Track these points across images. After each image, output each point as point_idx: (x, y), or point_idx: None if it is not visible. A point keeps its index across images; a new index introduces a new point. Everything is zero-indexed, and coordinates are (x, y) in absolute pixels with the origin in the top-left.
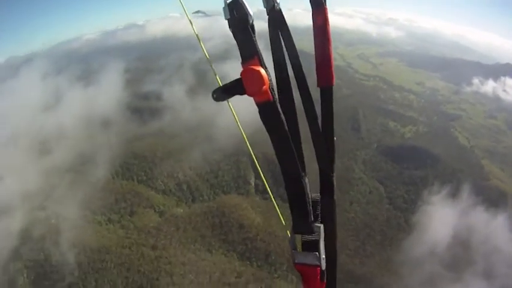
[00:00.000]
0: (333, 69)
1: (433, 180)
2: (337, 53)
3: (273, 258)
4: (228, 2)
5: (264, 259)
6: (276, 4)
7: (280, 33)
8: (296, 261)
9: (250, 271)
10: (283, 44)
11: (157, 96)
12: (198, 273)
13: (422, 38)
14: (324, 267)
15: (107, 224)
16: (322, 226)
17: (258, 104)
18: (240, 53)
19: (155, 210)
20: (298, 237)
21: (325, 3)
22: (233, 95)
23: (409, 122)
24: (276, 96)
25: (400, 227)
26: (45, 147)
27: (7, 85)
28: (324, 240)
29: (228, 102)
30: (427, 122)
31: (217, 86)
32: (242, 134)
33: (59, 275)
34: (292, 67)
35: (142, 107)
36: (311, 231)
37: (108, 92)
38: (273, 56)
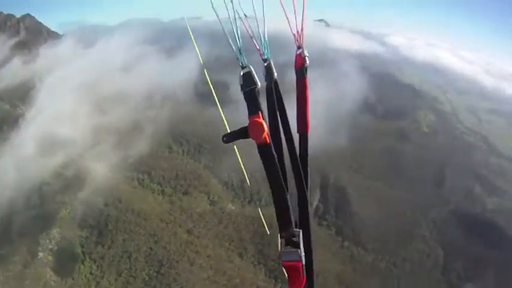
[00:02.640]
0: (308, 120)
1: (500, 266)
2: (447, 97)
3: None
4: (242, 73)
5: None
6: (274, 76)
7: (275, 98)
8: (283, 259)
9: None
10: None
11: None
12: (218, 271)
13: None
14: (304, 262)
15: (158, 194)
16: (301, 231)
17: (257, 145)
18: (248, 109)
19: (209, 198)
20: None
21: (306, 75)
22: (239, 138)
23: (496, 193)
24: (270, 140)
25: None
26: (108, 105)
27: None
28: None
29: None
30: None
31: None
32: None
33: (95, 221)
34: (282, 123)
35: (209, 93)
36: (293, 235)
37: (186, 71)
38: (268, 115)
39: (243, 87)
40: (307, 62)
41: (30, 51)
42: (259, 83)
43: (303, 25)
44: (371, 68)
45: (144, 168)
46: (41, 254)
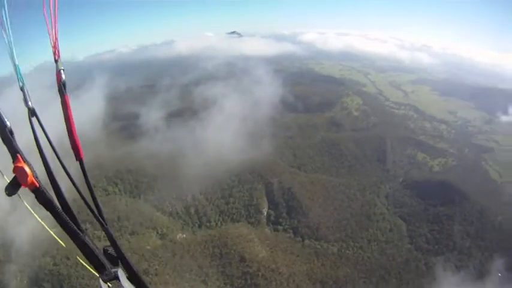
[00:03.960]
0: (80, 145)
1: (459, 219)
2: (369, 79)
3: None
4: None
5: None
6: (29, 102)
7: (38, 129)
8: None
9: None
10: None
11: (138, 117)
12: None
13: (457, 66)
14: None
15: (105, 240)
16: (119, 269)
17: (31, 191)
18: (9, 152)
19: (157, 232)
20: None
21: (66, 92)
22: (18, 188)
23: (439, 154)
24: (41, 183)
25: (419, 270)
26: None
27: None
28: (130, 276)
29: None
30: (457, 155)
31: None
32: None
33: (49, 283)
34: (52, 149)
35: (126, 126)
36: (113, 277)
37: (96, 107)
38: (37, 147)
39: None
40: (63, 76)
41: None
42: (7, 123)
43: (57, 36)
44: (288, 68)
45: (84, 218)
46: None
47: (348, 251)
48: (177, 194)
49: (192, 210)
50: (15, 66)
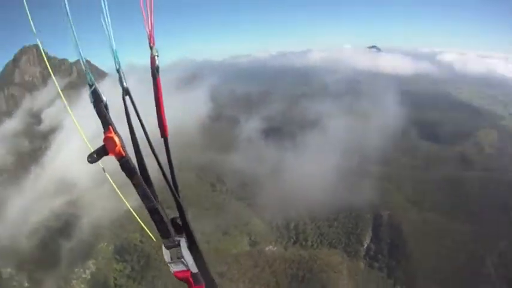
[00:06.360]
0: (166, 123)
1: None
2: (508, 111)
3: None
4: (91, 91)
5: None
6: (125, 83)
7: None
8: (172, 271)
9: None
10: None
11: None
12: None
13: None
14: (194, 270)
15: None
16: (183, 238)
17: (117, 160)
18: (101, 124)
19: (250, 239)
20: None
21: (158, 75)
22: (102, 156)
23: None
24: (127, 153)
25: None
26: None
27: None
28: (190, 248)
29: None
30: None
31: None
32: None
33: (130, 256)
34: (143, 129)
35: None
36: (176, 244)
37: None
38: (127, 123)
39: (94, 104)
40: (157, 62)
41: (76, 92)
42: (104, 99)
43: (153, 22)
44: (423, 89)
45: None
46: (74, 282)
47: None
48: (280, 206)
49: (292, 225)
50: (113, 49)
